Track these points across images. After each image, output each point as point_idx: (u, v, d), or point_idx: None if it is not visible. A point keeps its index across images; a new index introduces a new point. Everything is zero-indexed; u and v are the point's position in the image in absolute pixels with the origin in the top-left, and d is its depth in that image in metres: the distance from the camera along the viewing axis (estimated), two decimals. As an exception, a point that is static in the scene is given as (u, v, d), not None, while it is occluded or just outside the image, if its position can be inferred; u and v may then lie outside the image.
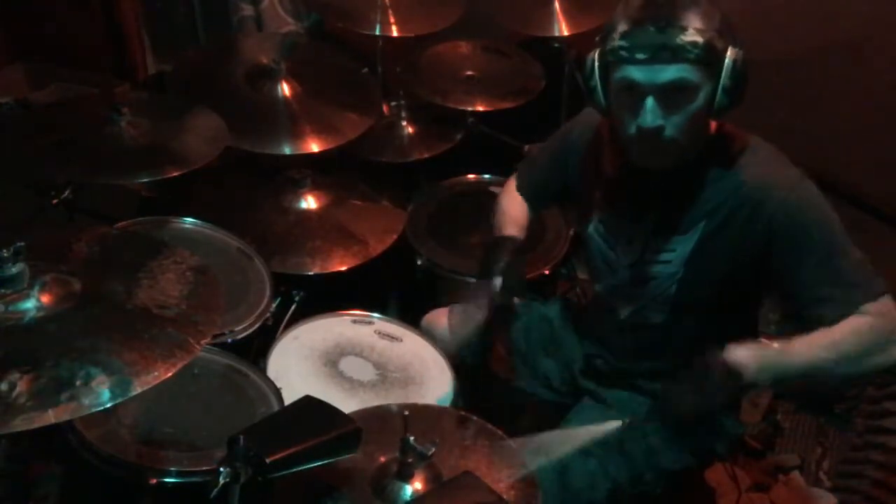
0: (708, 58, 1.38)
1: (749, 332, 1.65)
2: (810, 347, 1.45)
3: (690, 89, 1.40)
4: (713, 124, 1.51)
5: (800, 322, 1.49)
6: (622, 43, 1.40)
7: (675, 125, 1.43)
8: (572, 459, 1.59)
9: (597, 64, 1.47)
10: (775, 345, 1.46)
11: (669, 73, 1.38)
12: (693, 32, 1.36)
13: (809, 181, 1.49)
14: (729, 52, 1.39)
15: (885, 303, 1.45)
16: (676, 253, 1.56)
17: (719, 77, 1.40)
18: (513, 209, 1.89)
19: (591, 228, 1.69)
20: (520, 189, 1.92)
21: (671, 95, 1.40)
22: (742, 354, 1.44)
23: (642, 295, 1.62)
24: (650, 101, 1.41)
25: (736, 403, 1.78)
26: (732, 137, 1.53)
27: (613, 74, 1.45)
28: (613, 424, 1.55)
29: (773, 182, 1.48)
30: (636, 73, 1.40)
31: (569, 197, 1.80)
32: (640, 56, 1.39)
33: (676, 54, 1.37)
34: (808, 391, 2.48)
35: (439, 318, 1.98)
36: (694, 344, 1.54)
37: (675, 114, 1.42)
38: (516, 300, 1.85)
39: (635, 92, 1.42)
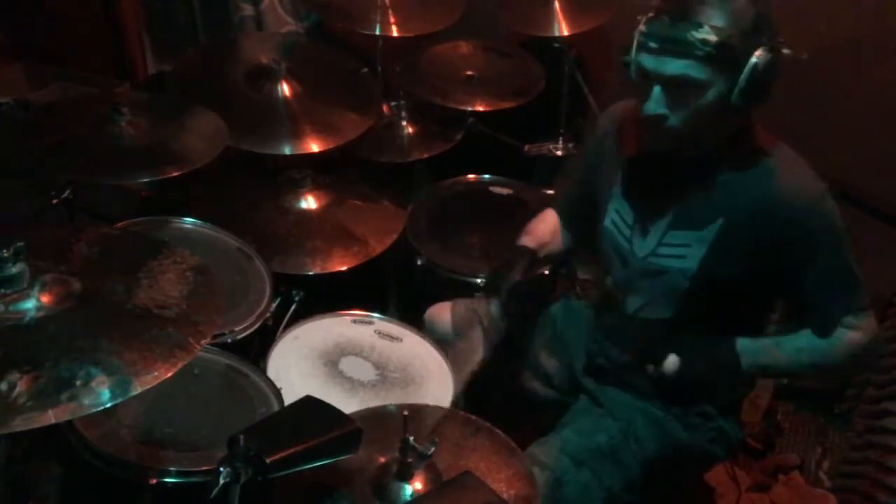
0: (721, 57, 1.37)
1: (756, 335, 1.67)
2: (798, 353, 1.58)
3: (697, 85, 1.40)
4: (737, 122, 1.50)
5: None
6: (642, 28, 1.43)
7: (680, 117, 1.44)
8: (566, 472, 1.59)
9: (635, 42, 1.46)
10: (770, 344, 1.59)
11: (676, 66, 1.39)
12: (708, 30, 1.36)
13: (828, 194, 1.50)
14: (755, 53, 1.38)
15: (868, 318, 1.56)
16: (692, 248, 1.56)
17: (738, 76, 1.39)
18: (537, 221, 1.91)
19: (607, 221, 1.69)
20: (556, 205, 1.93)
21: (677, 88, 1.42)
22: (748, 345, 1.56)
23: (652, 288, 1.62)
24: (656, 91, 1.43)
25: (736, 407, 1.78)
26: (758, 139, 1.53)
27: (634, 56, 1.46)
28: None
29: (797, 191, 1.48)
30: (647, 61, 1.43)
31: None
32: (651, 45, 1.41)
33: (684, 49, 1.37)
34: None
35: (442, 313, 1.99)
36: None
37: (681, 106, 1.43)
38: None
39: (646, 78, 1.44)
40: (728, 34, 1.36)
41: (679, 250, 1.57)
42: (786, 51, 1.43)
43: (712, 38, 1.36)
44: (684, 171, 1.55)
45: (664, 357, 1.57)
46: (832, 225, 1.50)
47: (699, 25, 1.36)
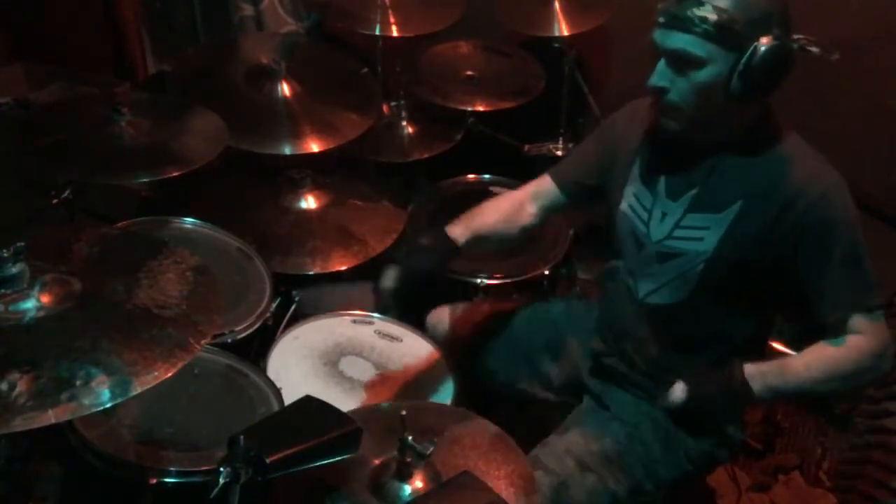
0: (721, 37, 1.41)
1: (761, 334, 1.69)
2: (807, 370, 1.55)
3: (695, 61, 1.44)
4: (752, 109, 1.52)
5: (803, 323, 1.59)
6: (658, 6, 1.48)
7: (679, 92, 1.49)
8: (571, 476, 1.59)
9: None
10: (776, 364, 1.56)
11: (676, 40, 1.45)
12: (710, 9, 1.40)
13: (844, 185, 1.52)
14: (760, 41, 1.41)
15: (878, 320, 1.53)
16: (710, 231, 1.56)
17: (739, 60, 1.42)
18: (485, 206, 1.89)
19: (624, 205, 1.69)
20: (554, 174, 1.86)
21: (678, 63, 1.47)
22: (753, 370, 1.54)
23: (665, 272, 1.62)
24: (661, 64, 1.49)
25: (740, 412, 1.77)
26: (774, 127, 1.56)
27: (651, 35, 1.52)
28: None
29: (811, 179, 1.50)
30: (657, 35, 1.49)
31: (600, 195, 1.79)
32: (660, 20, 1.47)
33: (684, 24, 1.43)
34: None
35: (443, 316, 1.99)
36: (704, 335, 1.60)
37: (681, 80, 1.48)
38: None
39: (655, 53, 1.50)
40: (731, 16, 1.40)
41: (697, 232, 1.58)
42: (814, 49, 1.45)
43: (713, 16, 1.40)
44: (698, 157, 1.57)
45: (671, 385, 1.59)
46: (847, 215, 1.51)
47: (701, 4, 1.41)
